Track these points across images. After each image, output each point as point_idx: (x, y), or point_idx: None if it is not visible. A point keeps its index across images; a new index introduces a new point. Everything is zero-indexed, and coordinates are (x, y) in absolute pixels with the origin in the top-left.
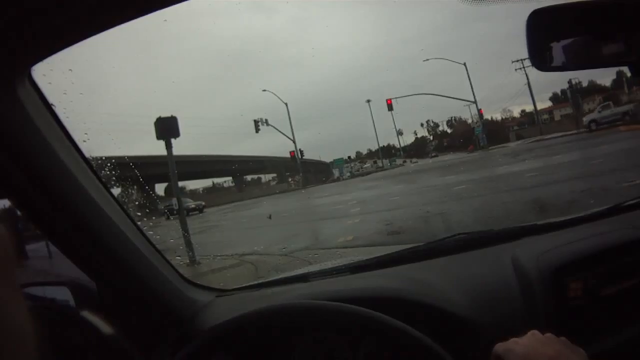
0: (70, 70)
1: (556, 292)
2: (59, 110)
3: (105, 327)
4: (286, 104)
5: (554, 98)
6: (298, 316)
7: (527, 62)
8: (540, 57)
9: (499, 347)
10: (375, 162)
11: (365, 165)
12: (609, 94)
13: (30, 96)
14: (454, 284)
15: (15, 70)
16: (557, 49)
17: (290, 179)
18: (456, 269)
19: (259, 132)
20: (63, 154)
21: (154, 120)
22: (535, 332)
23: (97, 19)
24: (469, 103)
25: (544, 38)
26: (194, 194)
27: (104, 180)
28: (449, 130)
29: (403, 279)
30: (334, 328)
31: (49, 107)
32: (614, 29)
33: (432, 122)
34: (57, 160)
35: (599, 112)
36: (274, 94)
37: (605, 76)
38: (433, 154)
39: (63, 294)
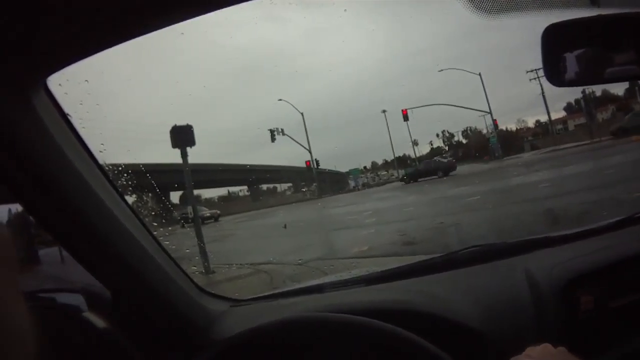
0: (86, 81)
1: (568, 305)
2: (75, 120)
3: (107, 330)
4: (302, 113)
5: (568, 108)
6: (314, 328)
7: (542, 73)
8: (555, 72)
9: None
10: (387, 172)
11: (382, 173)
12: (622, 104)
13: (45, 106)
14: (467, 296)
15: (31, 80)
16: (572, 64)
17: (305, 189)
18: (469, 282)
19: (275, 141)
20: (78, 163)
21: (170, 128)
22: (548, 345)
23: (114, 31)
24: (484, 113)
25: (559, 53)
26: (209, 202)
27: (119, 189)
28: (464, 141)
29: (417, 292)
30: (347, 340)
31: (64, 117)
32: (629, 44)
33: (448, 132)
34: (72, 169)
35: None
36: (290, 104)
37: (618, 86)
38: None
39: (76, 302)
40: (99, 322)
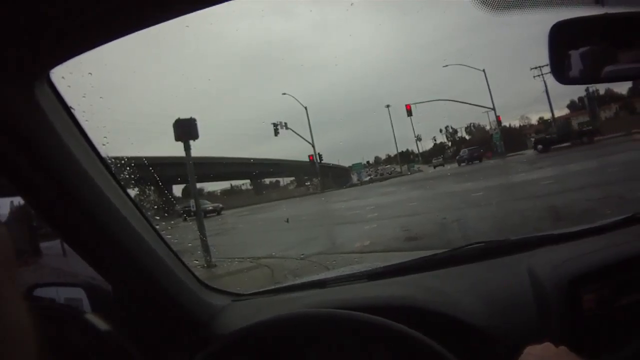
0: (90, 73)
1: (571, 304)
2: (78, 113)
3: (107, 328)
4: (306, 107)
5: (572, 105)
6: (315, 324)
7: (546, 69)
8: (561, 70)
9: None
10: (389, 166)
11: (387, 166)
12: (625, 102)
13: (48, 99)
14: (469, 293)
15: (34, 72)
16: (578, 62)
17: (308, 183)
18: (472, 278)
19: (278, 135)
20: (80, 156)
21: (173, 121)
22: (549, 344)
23: (118, 23)
24: (487, 110)
25: (565, 51)
26: (211, 195)
27: (122, 182)
28: (467, 137)
29: (419, 288)
30: (349, 337)
31: (67, 110)
32: (635, 43)
33: (451, 128)
34: (74, 162)
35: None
36: (294, 98)
37: (621, 85)
38: (436, 163)
39: (77, 296)
40: (98, 321)
